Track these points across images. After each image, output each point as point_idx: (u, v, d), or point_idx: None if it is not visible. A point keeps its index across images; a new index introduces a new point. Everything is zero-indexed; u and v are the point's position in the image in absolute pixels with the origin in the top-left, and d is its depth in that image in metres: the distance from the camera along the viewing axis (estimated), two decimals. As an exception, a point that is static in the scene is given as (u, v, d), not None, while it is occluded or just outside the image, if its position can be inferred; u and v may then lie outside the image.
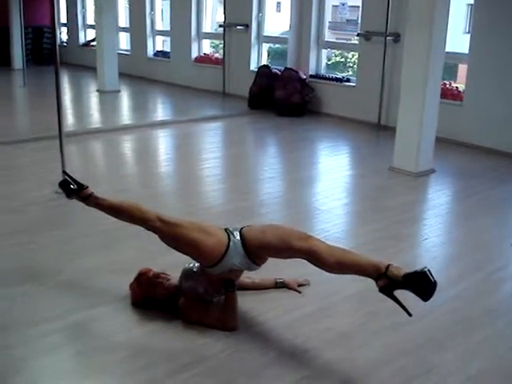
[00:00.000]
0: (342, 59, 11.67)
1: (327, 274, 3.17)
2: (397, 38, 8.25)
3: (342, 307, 3.52)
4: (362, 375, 2.84)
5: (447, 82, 8.10)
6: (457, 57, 7.96)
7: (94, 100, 11.10)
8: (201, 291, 3.29)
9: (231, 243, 3.14)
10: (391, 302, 3.56)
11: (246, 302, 3.47)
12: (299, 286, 3.71)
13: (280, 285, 3.69)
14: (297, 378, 2.79)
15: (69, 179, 3.66)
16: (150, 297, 3.36)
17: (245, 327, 3.20)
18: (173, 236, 3.20)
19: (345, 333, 3.21)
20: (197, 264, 3.33)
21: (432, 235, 4.78)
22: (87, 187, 3.62)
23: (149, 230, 3.29)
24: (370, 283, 3.79)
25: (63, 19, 15.84)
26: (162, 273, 3.43)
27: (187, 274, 3.37)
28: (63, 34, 16.19)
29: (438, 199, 5.72)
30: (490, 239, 4.67)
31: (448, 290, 3.77)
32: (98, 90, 11.34)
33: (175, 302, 3.32)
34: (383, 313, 3.43)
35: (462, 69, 8.26)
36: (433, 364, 2.95)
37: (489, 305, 3.61)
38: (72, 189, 3.62)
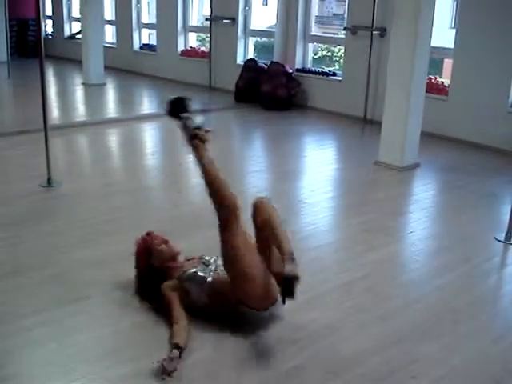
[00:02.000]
0: (329, 53, 11.69)
1: (313, 265, 3.19)
2: (383, 32, 8.27)
3: (328, 299, 3.54)
4: (348, 366, 2.85)
5: (433, 77, 8.14)
6: (442, 51, 8.00)
7: (79, 93, 11.03)
8: (201, 300, 3.15)
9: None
10: (376, 293, 3.61)
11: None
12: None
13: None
14: (283, 369, 2.80)
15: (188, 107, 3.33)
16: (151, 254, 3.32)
17: (230, 319, 3.21)
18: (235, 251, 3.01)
19: (331, 324, 3.22)
20: (210, 278, 3.16)
21: (417, 228, 4.82)
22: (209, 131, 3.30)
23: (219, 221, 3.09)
24: (355, 274, 3.83)
25: (48, 11, 15.69)
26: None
27: (194, 277, 3.20)
28: (48, 27, 16.04)
29: (423, 193, 5.75)
30: (474, 232, 4.70)
31: (433, 282, 3.81)
32: (83, 83, 11.26)
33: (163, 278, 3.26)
34: (369, 304, 3.46)
35: (448, 64, 8.30)
36: (418, 355, 2.98)
37: (473, 297, 3.64)
38: (188, 109, 3.30)
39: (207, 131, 3.31)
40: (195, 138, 3.27)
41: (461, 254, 4.25)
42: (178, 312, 3.07)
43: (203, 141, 3.29)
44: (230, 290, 3.06)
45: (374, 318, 3.31)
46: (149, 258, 3.35)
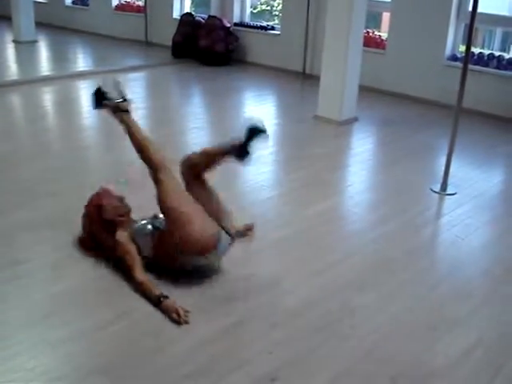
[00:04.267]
0: (268, 8, 11.56)
1: (252, 220, 3.20)
2: (320, -15, 8.22)
3: (268, 253, 3.56)
4: (290, 318, 2.89)
5: (370, 31, 8.16)
6: (380, 5, 8.02)
7: (9, 51, 10.59)
8: (147, 252, 3.19)
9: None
10: (316, 246, 3.64)
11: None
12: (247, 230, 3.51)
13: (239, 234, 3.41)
14: (225, 324, 2.82)
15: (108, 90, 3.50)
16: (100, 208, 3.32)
17: (171, 277, 3.20)
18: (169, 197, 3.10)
19: (272, 278, 3.25)
20: (150, 226, 3.25)
21: (355, 182, 4.88)
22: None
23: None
24: (295, 228, 3.86)
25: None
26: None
27: (142, 229, 3.25)
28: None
29: (361, 147, 5.82)
30: (411, 184, 4.80)
31: (371, 233, 3.88)
32: (13, 41, 10.82)
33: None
34: (309, 257, 3.51)
35: (386, 17, 8.33)
36: (357, 304, 3.04)
37: (410, 247, 3.73)
38: (107, 97, 3.47)
39: (125, 100, 3.48)
40: (118, 111, 3.44)
41: (398, 206, 4.33)
42: (140, 264, 3.11)
43: (125, 111, 3.45)
44: (171, 240, 3.07)
45: (314, 271, 3.35)
46: (99, 211, 3.32)
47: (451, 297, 3.18)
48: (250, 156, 3.24)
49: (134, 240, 3.23)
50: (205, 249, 3.06)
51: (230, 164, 4.95)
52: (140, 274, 3.06)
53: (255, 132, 3.28)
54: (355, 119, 6.42)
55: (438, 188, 4.60)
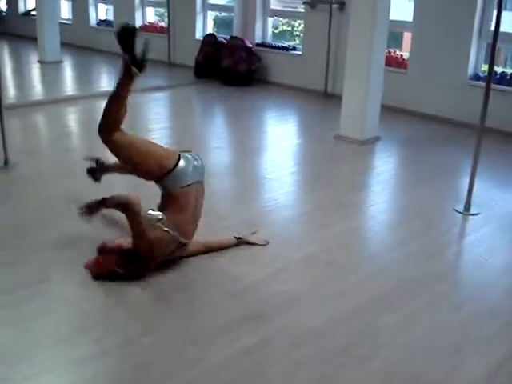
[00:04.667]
0: (289, 28, 11.63)
1: (274, 240, 3.19)
2: (342, 5, 8.26)
3: (291, 272, 3.56)
4: (312, 339, 2.88)
5: (392, 50, 8.17)
6: (401, 25, 8.03)
7: (35, 71, 10.78)
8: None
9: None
10: (338, 266, 3.63)
11: (192, 269, 3.48)
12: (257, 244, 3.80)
13: (242, 241, 3.78)
14: (248, 343, 2.81)
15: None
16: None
17: (194, 295, 3.21)
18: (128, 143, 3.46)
19: (294, 297, 3.24)
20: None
21: (377, 201, 4.87)
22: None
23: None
24: (317, 248, 3.85)
25: (1, -13, 15.32)
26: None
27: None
28: (2, 3, 15.64)
29: (384, 166, 5.81)
30: (434, 204, 4.77)
31: (393, 253, 3.86)
32: (39, 61, 11.01)
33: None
34: (331, 277, 3.50)
35: (407, 37, 8.34)
36: (379, 325, 3.02)
37: (433, 267, 3.70)
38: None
39: (143, 62, 3.56)
40: (128, 71, 3.50)
41: (420, 226, 4.30)
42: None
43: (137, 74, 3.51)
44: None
45: (336, 291, 3.34)
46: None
47: (475, 318, 3.15)
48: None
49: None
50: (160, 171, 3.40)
51: (250, 184, 4.99)
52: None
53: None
54: (377, 138, 6.41)
55: (461, 208, 4.57)
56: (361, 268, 3.67)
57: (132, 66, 3.44)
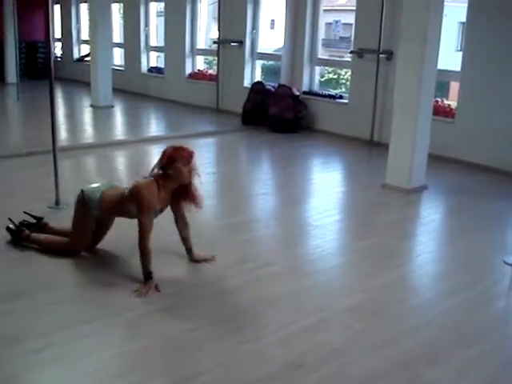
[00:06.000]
0: (335, 76, 11.74)
1: (320, 289, 3.16)
2: (390, 55, 8.32)
3: (335, 322, 3.52)
4: (355, 391, 2.84)
5: (439, 99, 8.16)
6: (449, 74, 8.03)
7: (87, 115, 11.11)
8: None
9: None
10: (384, 316, 3.58)
11: (240, 318, 3.47)
12: (203, 261, 4.20)
13: (188, 251, 4.22)
14: (290, 393, 2.79)
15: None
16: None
17: (238, 343, 3.20)
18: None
19: (338, 348, 3.21)
20: None
21: (425, 251, 4.80)
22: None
23: None
24: (362, 297, 3.81)
25: (57, 34, 15.89)
26: None
27: None
28: (57, 49, 16.23)
29: (431, 215, 5.74)
30: (482, 255, 4.68)
31: (440, 305, 3.80)
32: (91, 105, 11.35)
33: None
34: (376, 327, 3.45)
35: (454, 86, 8.33)
36: (426, 379, 2.96)
37: (481, 320, 3.62)
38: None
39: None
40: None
41: (469, 277, 4.22)
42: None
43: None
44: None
45: (381, 342, 3.29)
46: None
47: (526, 375, 3.06)
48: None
49: None
50: None
51: (295, 231, 4.99)
52: (149, 250, 3.76)
53: None
54: (424, 187, 6.36)
55: (510, 260, 4.47)
56: (407, 319, 3.61)
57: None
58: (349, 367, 3.03)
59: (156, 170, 3.92)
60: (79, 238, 4.19)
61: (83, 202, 4.12)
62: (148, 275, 3.74)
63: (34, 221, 4.53)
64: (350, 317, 3.59)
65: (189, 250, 4.22)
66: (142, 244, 3.77)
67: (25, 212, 4.57)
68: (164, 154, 3.92)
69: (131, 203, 3.88)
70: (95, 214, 4.10)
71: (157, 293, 3.69)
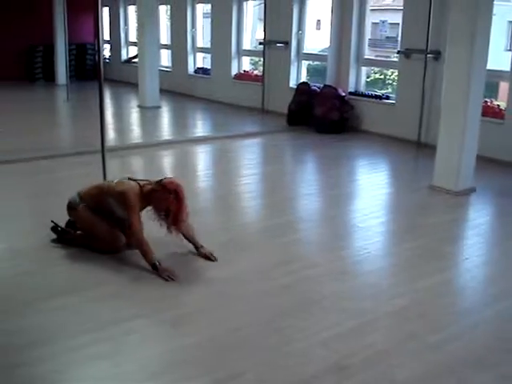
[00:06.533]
0: (381, 76, 11.64)
1: (365, 290, 3.14)
2: (437, 55, 8.20)
3: (380, 324, 3.50)
4: (400, 394, 2.81)
5: (488, 100, 8.01)
6: (498, 74, 7.87)
7: (134, 115, 11.28)
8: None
9: None
10: (430, 319, 3.54)
11: (285, 317, 3.48)
12: (208, 258, 4.28)
13: (200, 250, 4.32)
14: (334, 395, 2.78)
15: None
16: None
17: (283, 342, 3.21)
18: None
19: (383, 351, 3.18)
20: None
21: (472, 254, 4.72)
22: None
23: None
24: (408, 300, 3.77)
25: (106, 36, 16.16)
26: None
27: None
28: (106, 51, 16.51)
29: (479, 218, 5.65)
30: (532, 259, 4.59)
31: (488, 309, 3.73)
32: (139, 106, 11.51)
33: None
34: (422, 331, 3.40)
35: (504, 86, 8.16)
36: (473, 384, 2.91)
37: (531, 326, 3.55)
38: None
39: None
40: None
41: (518, 282, 4.14)
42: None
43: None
44: None
45: (427, 345, 3.25)
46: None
47: None
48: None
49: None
50: None
51: (340, 232, 4.97)
52: (147, 246, 4.02)
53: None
54: (472, 190, 6.25)
55: (562, 265, 4.37)
56: (454, 322, 3.56)
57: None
58: (393, 370, 3.01)
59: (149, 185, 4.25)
60: (100, 237, 4.33)
61: (69, 207, 4.43)
62: (153, 266, 3.96)
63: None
64: (395, 319, 3.56)
65: (196, 248, 4.36)
66: (135, 238, 4.08)
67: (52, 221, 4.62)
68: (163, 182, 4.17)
69: (111, 198, 4.24)
70: (81, 206, 4.35)
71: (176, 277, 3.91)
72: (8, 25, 13.49)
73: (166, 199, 4.04)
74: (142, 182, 4.29)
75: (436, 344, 3.26)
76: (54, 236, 4.53)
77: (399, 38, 9.14)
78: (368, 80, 10.68)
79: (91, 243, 4.38)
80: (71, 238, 4.49)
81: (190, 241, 4.34)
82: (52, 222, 4.54)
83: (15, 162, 6.92)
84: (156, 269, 3.95)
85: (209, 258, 4.26)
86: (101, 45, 5.62)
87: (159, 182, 4.14)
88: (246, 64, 12.47)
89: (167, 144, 8.45)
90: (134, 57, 14.49)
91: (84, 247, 4.39)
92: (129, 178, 4.40)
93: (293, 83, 10.64)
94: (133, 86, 12.75)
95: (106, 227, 4.29)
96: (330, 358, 3.09)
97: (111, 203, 4.24)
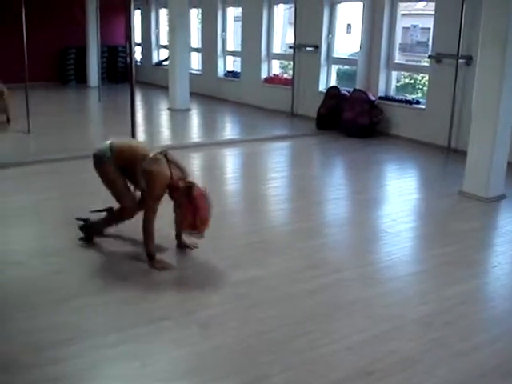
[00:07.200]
0: (411, 81, 11.57)
1: (393, 296, 3.13)
2: (469, 60, 8.13)
3: (407, 331, 3.48)
4: (426, 401, 2.80)
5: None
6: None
7: (164, 118, 11.37)
8: None
9: None
10: (458, 327, 3.51)
11: (310, 322, 3.48)
12: (186, 247, 4.43)
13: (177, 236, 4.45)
14: (360, 400, 2.77)
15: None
16: None
17: (308, 348, 3.21)
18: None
19: (410, 357, 3.17)
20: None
21: (502, 262, 4.66)
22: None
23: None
24: (436, 307, 3.75)
25: (137, 39, 16.31)
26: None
27: None
28: (137, 54, 16.67)
29: (509, 225, 5.57)
30: None
31: (518, 318, 3.69)
32: (169, 108, 11.60)
33: None
34: (450, 338, 3.38)
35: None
36: (501, 393, 2.88)
37: (561, 336, 3.50)
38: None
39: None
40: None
41: (549, 290, 4.09)
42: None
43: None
44: None
45: (454, 353, 3.22)
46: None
47: None
48: None
49: None
50: None
51: (369, 237, 4.95)
52: (153, 236, 4.11)
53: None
54: (503, 197, 6.18)
55: None
56: (482, 330, 3.53)
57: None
58: (420, 377, 2.99)
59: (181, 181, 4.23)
60: (123, 197, 4.40)
61: (98, 159, 4.43)
62: (151, 255, 4.11)
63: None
64: (422, 326, 3.54)
65: (178, 235, 4.45)
66: (148, 224, 4.12)
67: (92, 211, 4.69)
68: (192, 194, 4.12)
69: (140, 168, 4.18)
70: (109, 161, 4.35)
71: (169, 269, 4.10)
72: (41, 27, 13.70)
73: (186, 206, 4.06)
74: (173, 173, 4.24)
75: (464, 351, 3.23)
76: (82, 235, 4.59)
77: (430, 43, 9.08)
78: (398, 85, 10.62)
79: (114, 216, 4.53)
80: (96, 224, 4.59)
81: (178, 225, 4.37)
82: (77, 219, 4.62)
83: (48, 161, 7.02)
84: (152, 259, 4.10)
85: (188, 246, 4.43)
86: (132, 47, 5.69)
87: (189, 188, 4.11)
88: (276, 67, 12.48)
89: (196, 146, 8.50)
90: (165, 59, 14.62)
91: (109, 225, 4.60)
92: (165, 154, 4.34)
93: (322, 87, 10.63)
94: (163, 88, 12.87)
95: (127, 188, 4.40)
96: (356, 363, 3.08)
97: (138, 171, 4.21)
